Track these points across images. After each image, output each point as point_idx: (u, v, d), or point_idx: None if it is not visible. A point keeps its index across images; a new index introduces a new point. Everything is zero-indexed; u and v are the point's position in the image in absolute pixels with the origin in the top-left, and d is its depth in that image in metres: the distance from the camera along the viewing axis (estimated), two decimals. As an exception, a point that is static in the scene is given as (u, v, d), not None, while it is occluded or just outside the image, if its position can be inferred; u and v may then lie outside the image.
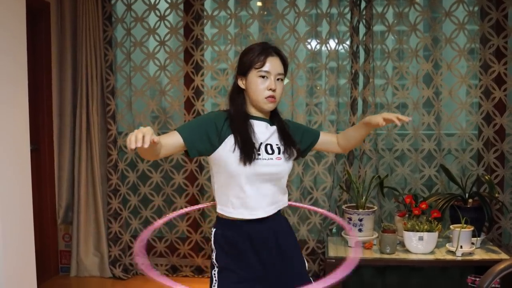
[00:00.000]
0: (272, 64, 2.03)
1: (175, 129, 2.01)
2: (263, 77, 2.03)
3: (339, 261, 3.42)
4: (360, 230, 3.63)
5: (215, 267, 2.09)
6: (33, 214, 3.16)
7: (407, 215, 3.61)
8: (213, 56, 4.13)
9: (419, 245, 3.48)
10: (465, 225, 3.46)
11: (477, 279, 3.39)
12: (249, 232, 2.07)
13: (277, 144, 2.10)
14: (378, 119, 2.10)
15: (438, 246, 3.59)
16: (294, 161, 2.19)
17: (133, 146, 1.66)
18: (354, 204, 3.76)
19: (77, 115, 4.11)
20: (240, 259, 2.06)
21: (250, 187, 2.03)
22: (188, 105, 4.12)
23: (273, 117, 2.14)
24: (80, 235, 4.18)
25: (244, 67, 2.06)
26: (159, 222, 2.29)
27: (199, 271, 4.20)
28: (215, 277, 2.07)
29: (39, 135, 4.03)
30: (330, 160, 3.97)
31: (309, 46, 3.97)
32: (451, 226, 3.55)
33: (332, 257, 3.48)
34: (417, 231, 3.47)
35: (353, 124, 3.91)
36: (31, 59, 3.39)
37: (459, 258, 3.44)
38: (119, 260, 4.21)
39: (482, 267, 3.20)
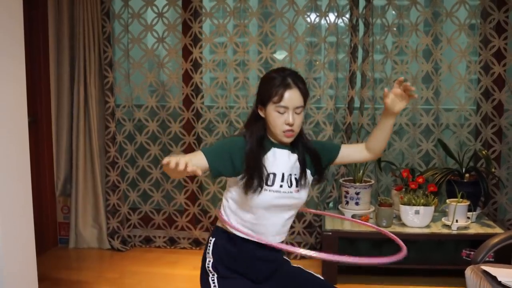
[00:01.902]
0: (290, 98, 1.95)
1: (201, 149, 1.98)
2: (281, 112, 1.97)
3: (335, 233, 3.48)
4: (357, 203, 3.65)
5: (212, 275, 2.08)
6: (32, 186, 3.17)
7: (403, 189, 3.63)
8: (212, 28, 4.10)
9: (415, 219, 3.51)
10: (461, 200, 3.49)
11: (472, 252, 3.43)
12: (251, 251, 2.07)
13: (295, 174, 2.07)
14: (387, 96, 2.02)
15: (434, 220, 3.62)
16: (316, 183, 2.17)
17: (172, 166, 1.64)
18: (351, 178, 3.78)
19: (74, 87, 4.10)
20: (240, 270, 2.07)
21: (267, 215, 2.03)
22: (186, 78, 4.10)
23: (295, 143, 2.09)
24: (78, 207, 4.20)
25: (262, 98, 2.00)
26: None
27: (196, 244, 4.24)
28: (213, 282, 2.06)
29: (36, 107, 4.02)
30: (328, 133, 3.97)
31: (308, 19, 3.94)
32: (447, 200, 3.58)
33: (329, 230, 3.51)
34: (414, 205, 3.50)
35: (352, 98, 3.90)
36: (27, 32, 3.36)
37: (455, 232, 3.47)
38: (117, 232, 4.24)
39: (477, 241, 3.24)
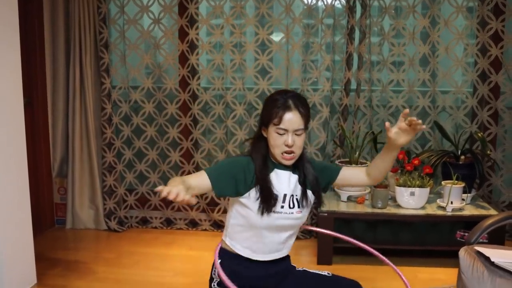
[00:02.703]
0: (289, 121, 1.96)
1: (204, 170, 1.99)
2: (280, 133, 1.98)
3: (331, 214, 3.50)
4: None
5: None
6: (28, 167, 3.18)
7: (399, 171, 3.64)
8: (208, 10, 4.07)
9: (411, 200, 3.53)
10: (456, 182, 3.51)
11: (466, 233, 3.46)
12: (256, 269, 2.08)
13: (296, 195, 2.08)
14: (392, 130, 1.96)
15: (429, 201, 3.64)
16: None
17: (164, 195, 1.66)
18: (347, 160, 3.79)
19: (70, 68, 4.08)
20: (247, 286, 2.07)
21: (266, 234, 2.04)
22: (183, 59, 4.09)
23: (295, 164, 2.09)
24: (75, 188, 4.21)
25: (264, 119, 2.03)
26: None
27: (193, 224, 4.26)
28: None
29: (32, 88, 4.00)
30: (325, 115, 3.97)
31: (305, 1, 3.92)
32: (442, 182, 3.60)
33: (324, 211, 3.52)
34: (409, 186, 3.52)
35: (348, 79, 3.90)
36: (22, 12, 3.34)
37: (449, 214, 3.49)
38: (114, 213, 4.25)
39: (471, 222, 3.25)
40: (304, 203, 2.08)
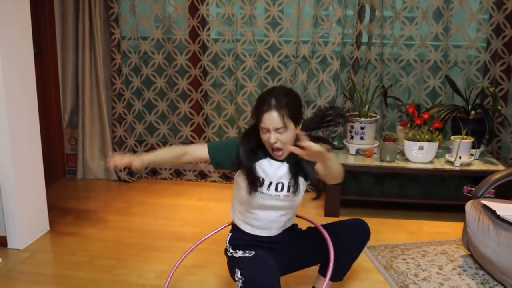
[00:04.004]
0: (269, 121, 2.04)
1: (206, 143, 2.24)
2: (264, 132, 2.08)
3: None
4: (361, 138, 3.67)
5: (234, 251, 2.25)
6: (39, 118, 3.20)
7: (408, 125, 3.63)
8: (218, -41, 4.00)
9: (419, 154, 3.54)
10: (465, 136, 3.50)
11: (473, 188, 3.48)
12: (265, 239, 2.27)
13: (287, 182, 2.18)
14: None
15: (437, 156, 3.65)
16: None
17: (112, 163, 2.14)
18: (357, 113, 3.78)
19: (79, 18, 4.05)
20: (256, 248, 2.24)
21: (258, 212, 2.22)
22: (193, 10, 4.04)
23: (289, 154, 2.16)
24: (85, 139, 4.25)
25: (254, 117, 2.13)
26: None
27: (202, 176, 4.31)
28: (236, 252, 2.23)
29: (41, 39, 3.99)
30: (335, 68, 3.94)
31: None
32: (451, 137, 3.59)
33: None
34: (418, 140, 3.52)
35: (360, 32, 3.85)
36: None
37: (457, 168, 3.50)
38: (124, 163, 4.29)
39: (479, 177, 3.26)
40: (294, 188, 2.18)
